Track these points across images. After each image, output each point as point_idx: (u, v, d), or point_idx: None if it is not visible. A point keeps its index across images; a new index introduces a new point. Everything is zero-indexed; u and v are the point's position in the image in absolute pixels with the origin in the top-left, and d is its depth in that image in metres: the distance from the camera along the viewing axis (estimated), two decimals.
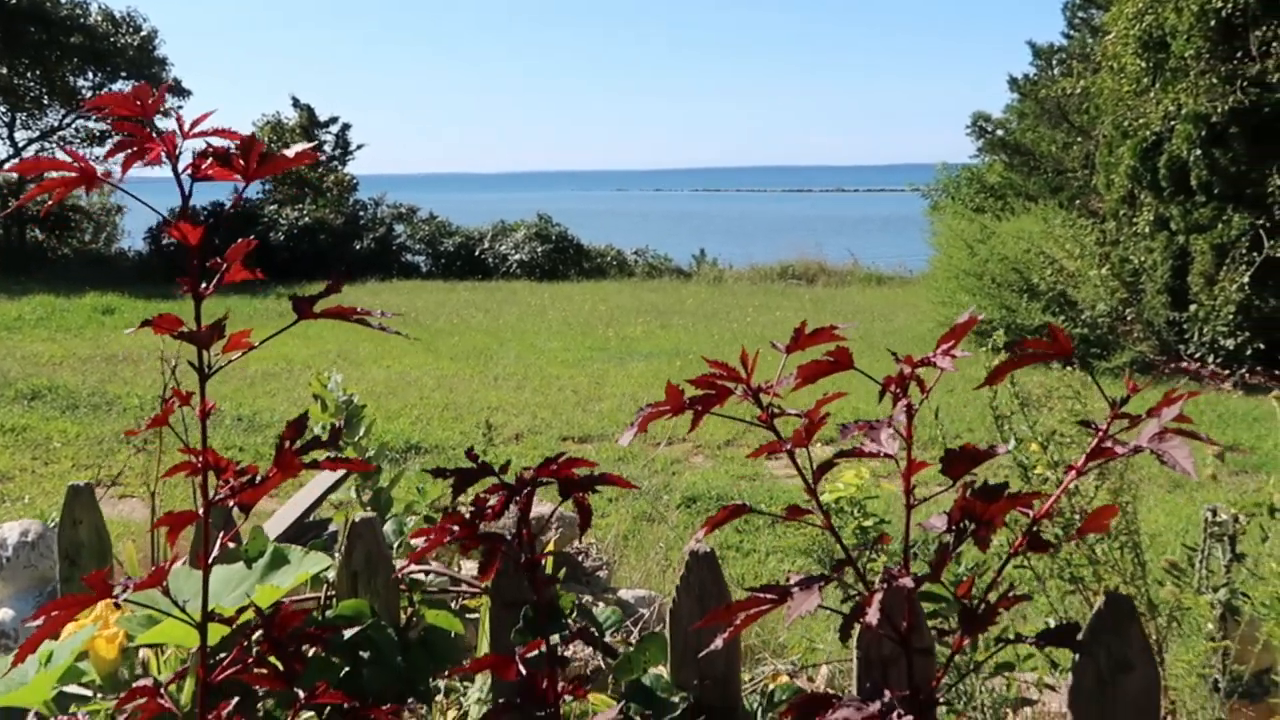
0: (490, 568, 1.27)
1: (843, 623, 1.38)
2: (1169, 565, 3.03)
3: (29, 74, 23.95)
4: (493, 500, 1.20)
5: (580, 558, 3.35)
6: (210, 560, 1.32)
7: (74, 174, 1.34)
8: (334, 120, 24.54)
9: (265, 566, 1.66)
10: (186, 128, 1.31)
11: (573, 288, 19.49)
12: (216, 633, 1.53)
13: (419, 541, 1.55)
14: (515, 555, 1.23)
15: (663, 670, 1.50)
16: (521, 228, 21.26)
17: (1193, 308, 11.14)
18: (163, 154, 1.32)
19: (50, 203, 1.36)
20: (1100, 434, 1.17)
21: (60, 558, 1.84)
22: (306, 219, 20.77)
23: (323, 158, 24.19)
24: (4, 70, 23.51)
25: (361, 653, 1.58)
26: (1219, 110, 10.37)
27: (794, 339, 1.33)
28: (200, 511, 1.30)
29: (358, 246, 20.52)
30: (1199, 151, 10.72)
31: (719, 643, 1.32)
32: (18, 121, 24.49)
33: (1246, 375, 10.49)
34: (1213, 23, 10.44)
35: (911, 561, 1.22)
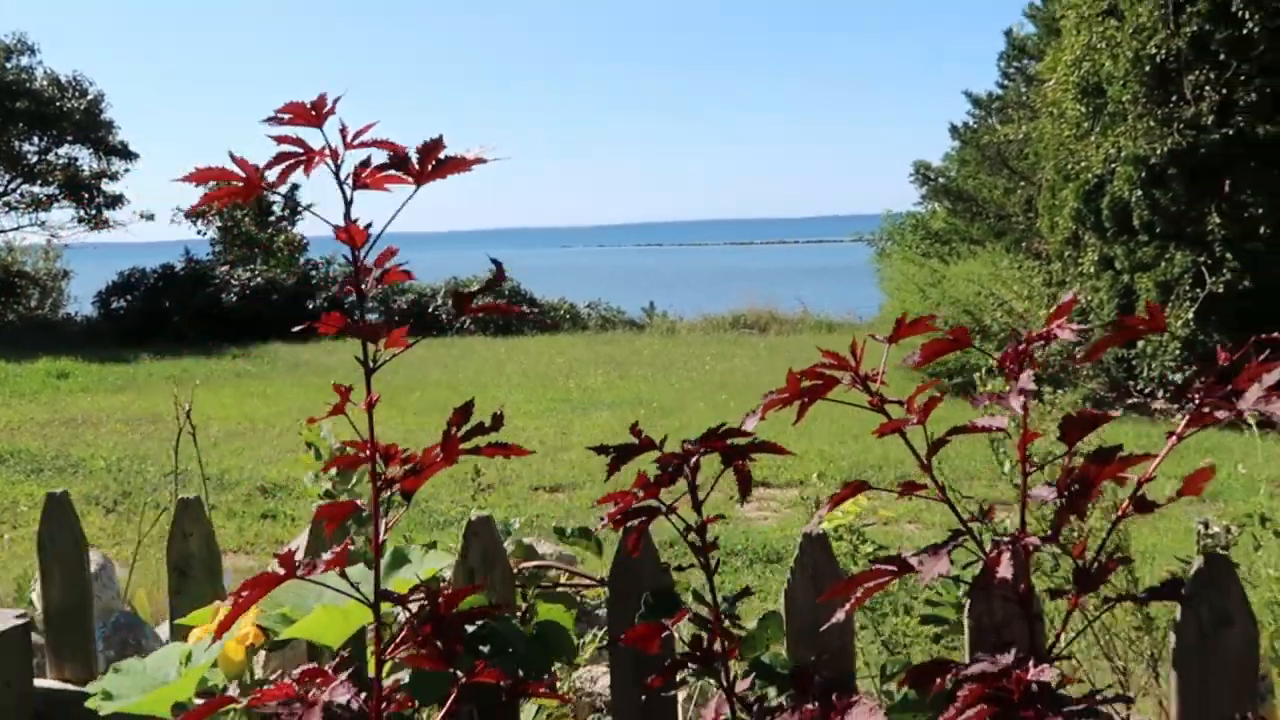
0: (637, 545, 1.37)
1: (972, 583, 1.50)
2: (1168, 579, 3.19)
3: None
4: (641, 479, 1.30)
5: None
6: (331, 561, 1.41)
7: (240, 183, 1.41)
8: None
9: (387, 566, 1.74)
10: (349, 138, 1.39)
11: (529, 341, 19.58)
12: (351, 625, 1.61)
13: (528, 540, 1.65)
14: (648, 544, 1.34)
15: (780, 648, 1.60)
16: (474, 283, 21.20)
17: (1140, 344, 11.51)
18: (326, 162, 1.40)
19: (217, 208, 1.43)
20: (1201, 398, 1.29)
21: (170, 570, 1.90)
22: (259, 279, 20.67)
23: (272, 217, 24.13)
24: None
25: (481, 646, 1.66)
26: (1158, 152, 10.83)
27: (896, 329, 1.47)
28: (370, 497, 1.38)
29: (310, 306, 20.43)
30: (1140, 192, 11.16)
31: (841, 614, 1.43)
32: None
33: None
34: (1147, 68, 10.94)
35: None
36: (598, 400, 13.17)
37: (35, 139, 24.43)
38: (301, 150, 1.42)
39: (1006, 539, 1.34)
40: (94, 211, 24.46)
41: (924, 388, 1.47)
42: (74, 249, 24.84)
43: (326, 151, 1.41)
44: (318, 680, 1.28)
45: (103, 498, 8.90)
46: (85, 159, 24.71)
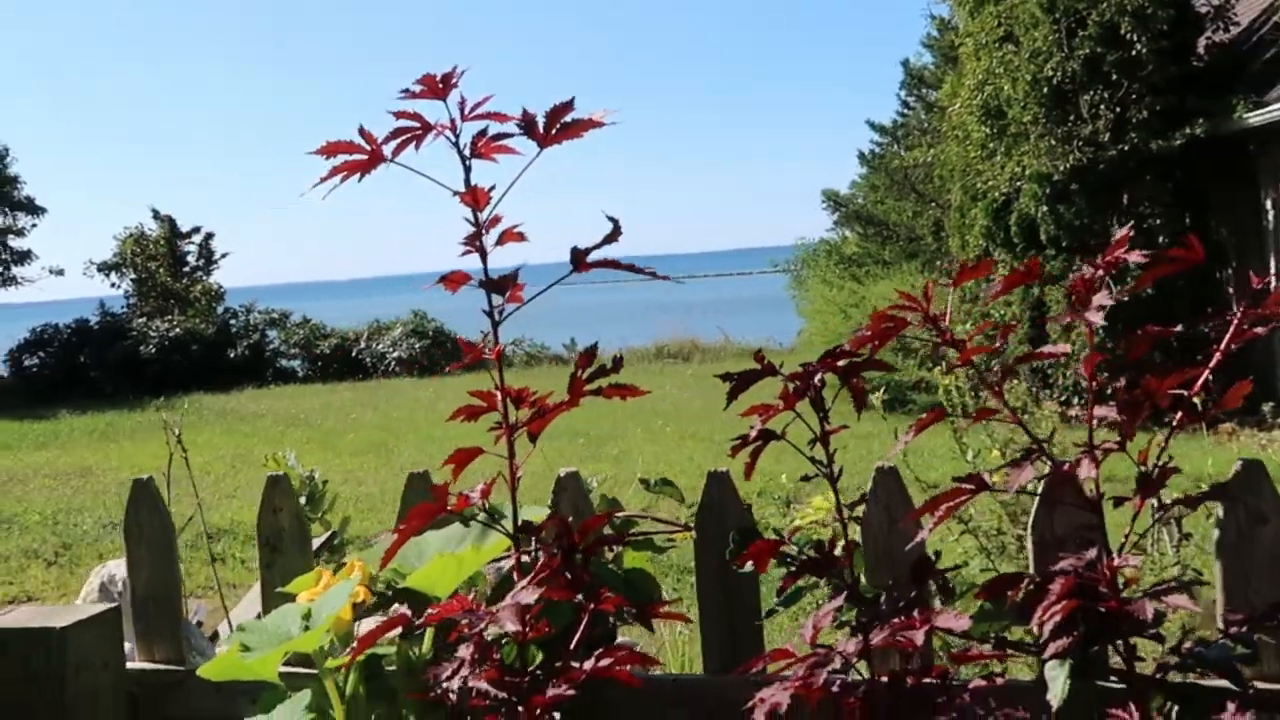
0: (752, 467, 1.52)
1: (1040, 496, 1.69)
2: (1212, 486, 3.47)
3: None
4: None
5: None
6: (423, 528, 1.53)
7: (364, 156, 1.54)
8: (196, 230, 24.19)
9: (481, 527, 1.86)
10: (467, 110, 1.51)
11: (456, 381, 19.53)
12: (464, 572, 1.73)
13: (613, 497, 1.80)
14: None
15: (860, 575, 1.77)
16: (398, 325, 21.28)
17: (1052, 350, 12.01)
18: (446, 134, 1.52)
19: (338, 185, 1.54)
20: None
21: (261, 546, 1.98)
22: (177, 330, 20.31)
23: (186, 268, 23.73)
24: None
25: None
26: (1060, 169, 11.38)
27: (960, 272, 1.65)
28: (503, 439, 1.52)
29: (231, 355, 20.16)
30: (1045, 208, 11.70)
31: (925, 532, 1.60)
32: None
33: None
34: (1045, 90, 11.52)
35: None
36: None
37: None
38: (418, 124, 1.55)
39: (1081, 448, 1.53)
40: (1, 269, 23.80)
41: (982, 326, 1.66)
42: None
43: (443, 124, 1.53)
44: (479, 607, 1.41)
45: (42, 550, 8.70)
46: None
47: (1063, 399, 12.00)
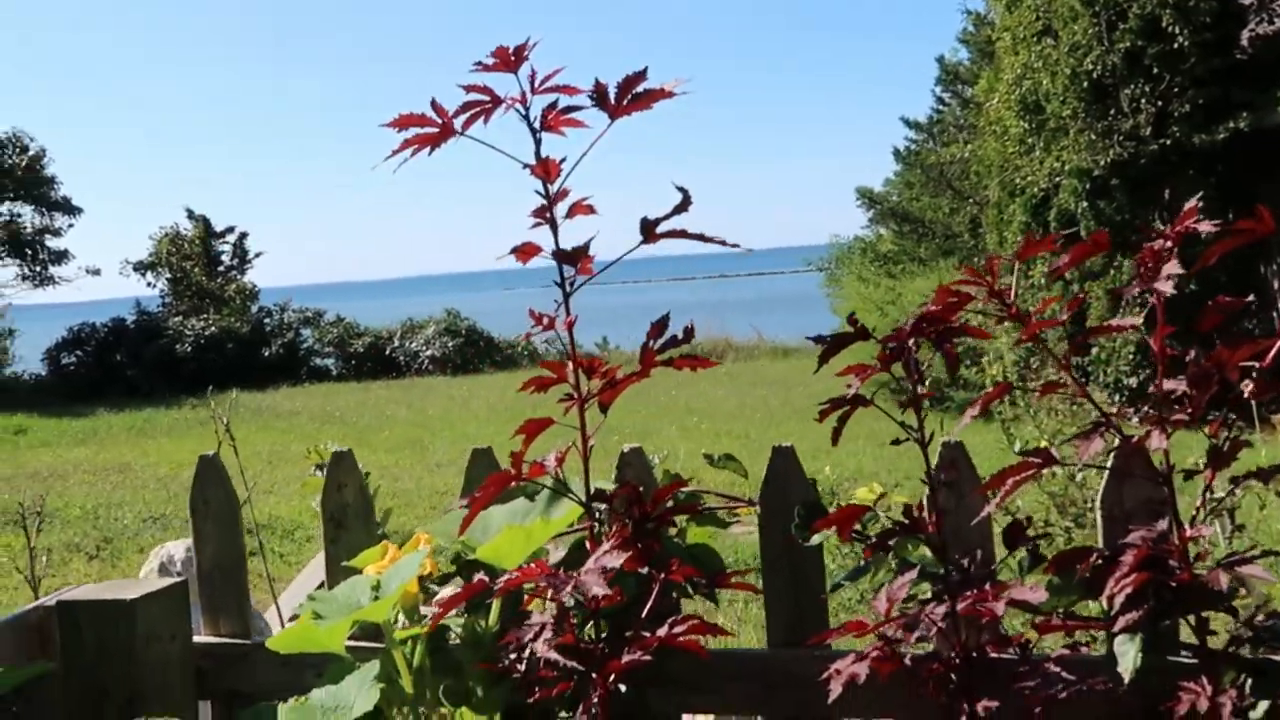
0: (839, 433, 1.52)
1: (1111, 469, 1.67)
2: None
3: None
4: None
5: None
6: (495, 497, 1.54)
7: (435, 129, 1.55)
8: (230, 230, 24.43)
9: (546, 500, 1.87)
10: (537, 83, 1.52)
11: (489, 379, 19.63)
12: (532, 544, 1.74)
13: (675, 473, 1.79)
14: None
15: (925, 550, 1.76)
16: (431, 324, 21.39)
17: (1094, 350, 11.92)
18: (516, 107, 1.53)
19: (409, 158, 1.54)
20: None
21: (325, 521, 2.00)
22: (212, 329, 20.52)
23: (220, 267, 23.97)
24: None
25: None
26: (1100, 164, 11.28)
27: (1025, 245, 1.64)
28: (576, 408, 1.52)
29: (266, 353, 20.33)
30: (1085, 204, 11.61)
31: (992, 506, 1.59)
32: None
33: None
34: (1085, 84, 11.42)
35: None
36: (572, 431, 13.26)
37: None
38: (488, 98, 1.56)
39: (1152, 416, 1.51)
40: (38, 268, 24.12)
41: (1048, 303, 1.65)
42: (17, 309, 24.45)
43: (514, 97, 1.53)
44: (559, 572, 1.42)
45: (84, 544, 8.82)
46: (27, 215, 24.40)
47: (1107, 392, 11.89)
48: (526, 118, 1.54)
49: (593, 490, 1.56)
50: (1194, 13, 10.66)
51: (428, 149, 1.59)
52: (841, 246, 20.02)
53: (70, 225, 24.69)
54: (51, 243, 24.69)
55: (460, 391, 17.81)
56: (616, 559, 1.32)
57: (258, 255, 24.91)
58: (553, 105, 1.54)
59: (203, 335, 20.52)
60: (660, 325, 1.53)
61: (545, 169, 1.53)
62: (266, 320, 21.90)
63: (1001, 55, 12.97)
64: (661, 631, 1.46)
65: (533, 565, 1.36)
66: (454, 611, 1.79)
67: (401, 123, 1.54)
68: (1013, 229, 12.53)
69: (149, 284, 23.90)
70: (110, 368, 20.16)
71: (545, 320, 1.52)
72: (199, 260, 23.34)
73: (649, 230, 1.54)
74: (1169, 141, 10.98)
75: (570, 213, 1.57)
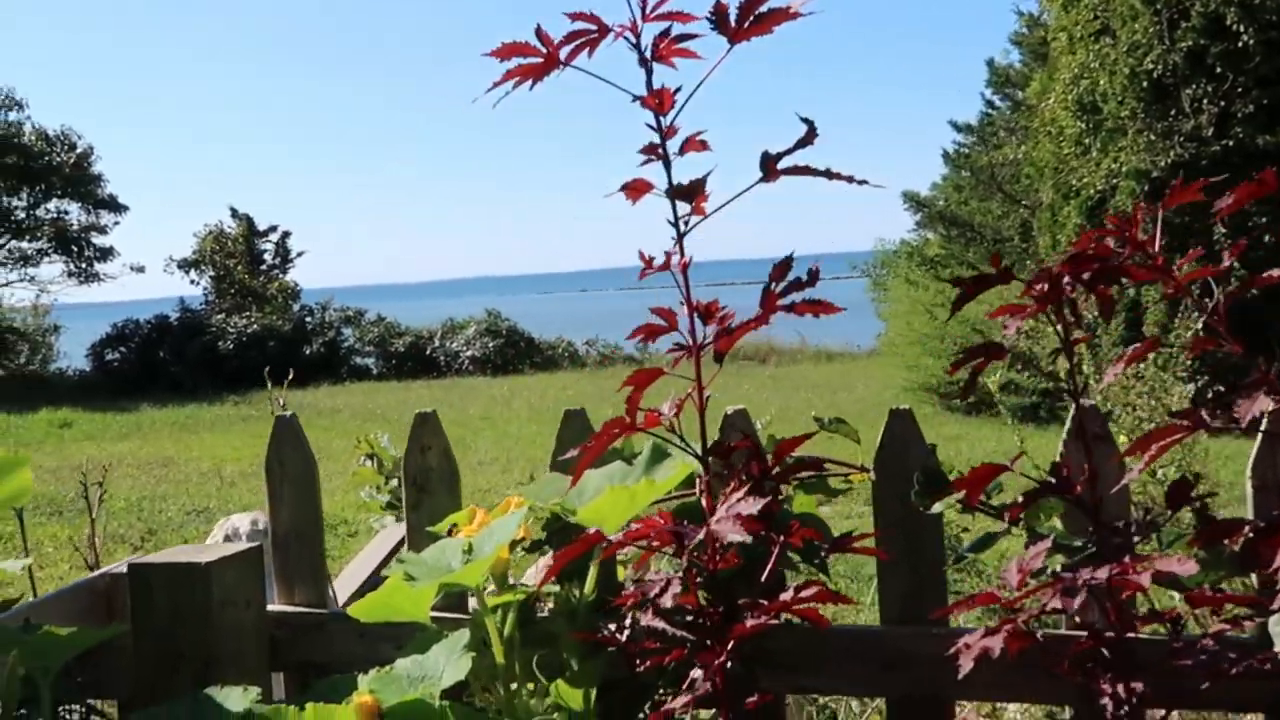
0: (973, 384, 1.40)
1: (1265, 433, 1.54)
2: None
3: None
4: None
5: None
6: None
7: (539, 59, 1.44)
8: (273, 229, 24.58)
9: (646, 462, 1.76)
10: (648, 10, 1.41)
11: (529, 379, 19.58)
12: (636, 506, 1.63)
13: (781, 437, 1.68)
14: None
15: (1056, 521, 1.64)
16: (471, 324, 21.38)
17: (1150, 356, 11.66)
18: (625, 35, 1.42)
19: (511, 90, 1.44)
20: None
21: (408, 485, 1.91)
22: (255, 326, 20.63)
23: (263, 265, 24.12)
24: None
25: None
26: (1159, 165, 11.04)
27: (1172, 193, 1.52)
28: (689, 357, 1.41)
29: (307, 351, 20.40)
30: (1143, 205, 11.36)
31: (1135, 472, 1.46)
32: None
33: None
34: (1144, 84, 11.19)
35: None
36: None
37: (23, 194, 24.39)
38: (595, 26, 1.45)
39: None
40: (84, 265, 24.37)
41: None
42: (62, 307, 24.75)
43: (623, 25, 1.43)
44: (684, 522, 1.32)
45: (129, 535, 8.83)
46: (74, 213, 24.68)
47: (1190, 383, 11.59)
48: (637, 46, 1.44)
49: (712, 443, 1.45)
50: (1259, 10, 10.41)
51: (529, 82, 1.48)
52: (887, 251, 19.77)
53: (116, 223, 24.97)
54: (97, 240, 24.98)
55: (501, 391, 17.77)
56: (753, 505, 1.20)
57: (300, 254, 25.05)
58: (665, 33, 1.44)
59: (245, 333, 20.64)
60: (783, 267, 1.42)
61: (659, 100, 1.43)
62: (308, 319, 21.98)
63: (1057, 55, 12.74)
64: (786, 596, 1.34)
65: (655, 516, 1.25)
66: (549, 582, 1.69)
67: (504, 52, 1.44)
68: (1067, 231, 12.29)
69: (192, 281, 24.11)
70: (154, 364, 20.32)
71: (659, 261, 1.41)
72: (242, 258, 23.49)
73: (770, 165, 1.42)
74: (1231, 143, 10.73)
75: (683, 149, 1.46)
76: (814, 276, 1.44)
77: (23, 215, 24.41)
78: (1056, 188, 12.56)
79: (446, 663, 1.62)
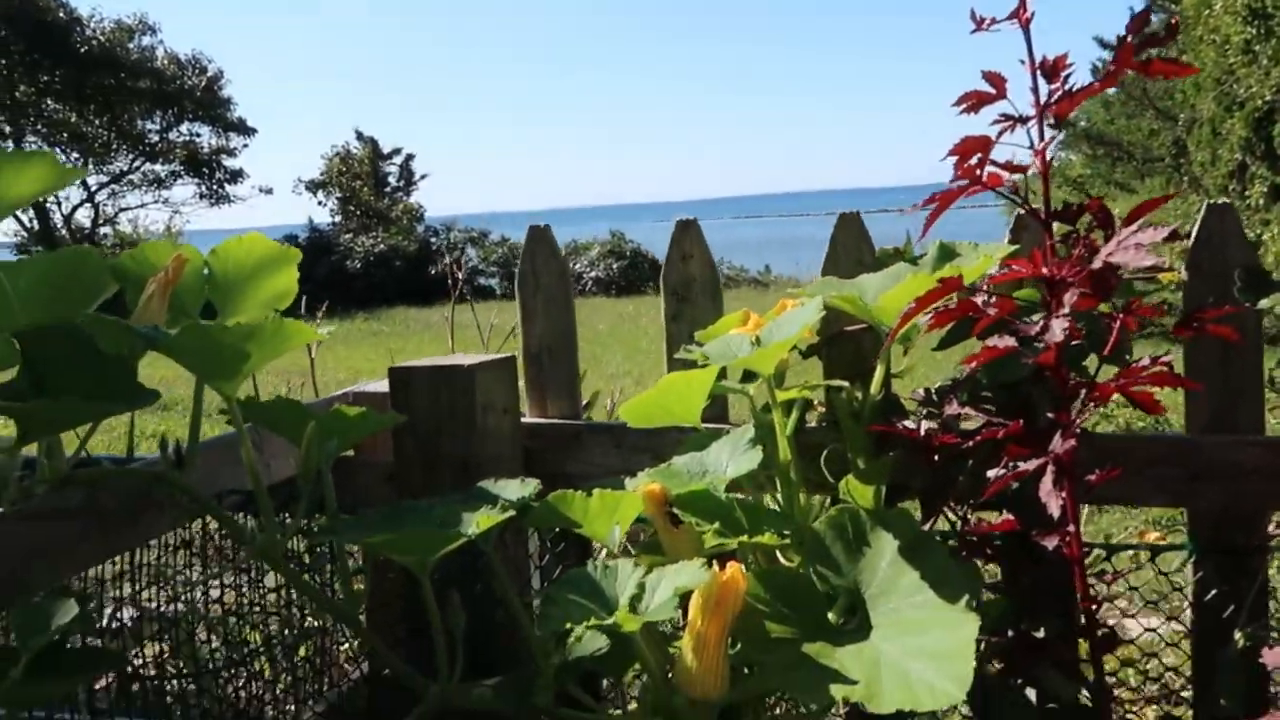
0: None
1: None
2: None
3: (98, 120, 24.41)
4: None
5: None
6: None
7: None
8: (397, 151, 24.90)
9: (934, 261, 1.67)
10: None
11: (654, 300, 19.53)
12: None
13: None
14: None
15: None
16: (595, 246, 21.40)
17: None
18: None
19: None
20: None
21: (667, 296, 1.86)
22: (381, 246, 20.99)
23: (387, 188, 24.47)
24: (74, 118, 23.97)
25: None
26: None
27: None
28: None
29: (432, 272, 20.69)
30: None
31: None
32: (89, 167, 24.92)
33: None
34: None
35: None
36: None
37: (156, 118, 25.11)
38: None
39: None
40: (215, 187, 25.07)
41: None
42: (192, 233, 25.55)
43: None
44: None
45: None
46: (205, 136, 25.34)
47: None
48: None
49: (1048, 211, 1.34)
50: None
51: None
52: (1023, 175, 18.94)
53: (245, 146, 25.59)
54: (227, 162, 25.63)
55: (627, 310, 17.80)
56: (1156, 233, 1.10)
57: (423, 177, 25.34)
58: None
59: (372, 252, 21.01)
60: (1141, 19, 1.30)
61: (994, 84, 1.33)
62: (433, 240, 22.28)
63: None
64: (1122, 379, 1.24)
65: (1034, 252, 1.16)
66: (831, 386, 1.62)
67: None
68: (1228, 146, 11.65)
69: (320, 203, 24.60)
70: None
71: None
72: (367, 180, 23.86)
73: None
74: None
75: None
76: (1173, 30, 1.32)
77: (156, 139, 25.16)
78: (1218, 100, 11.88)
79: (730, 457, 1.56)
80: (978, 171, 1.27)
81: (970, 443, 1.48)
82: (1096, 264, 1.15)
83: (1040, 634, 1.38)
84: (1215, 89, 11.97)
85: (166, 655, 1.98)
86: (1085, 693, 1.33)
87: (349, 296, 19.99)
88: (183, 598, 1.93)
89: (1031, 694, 1.37)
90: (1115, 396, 1.29)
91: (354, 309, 19.28)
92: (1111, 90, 17.25)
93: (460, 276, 4.18)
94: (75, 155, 24.70)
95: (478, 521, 1.38)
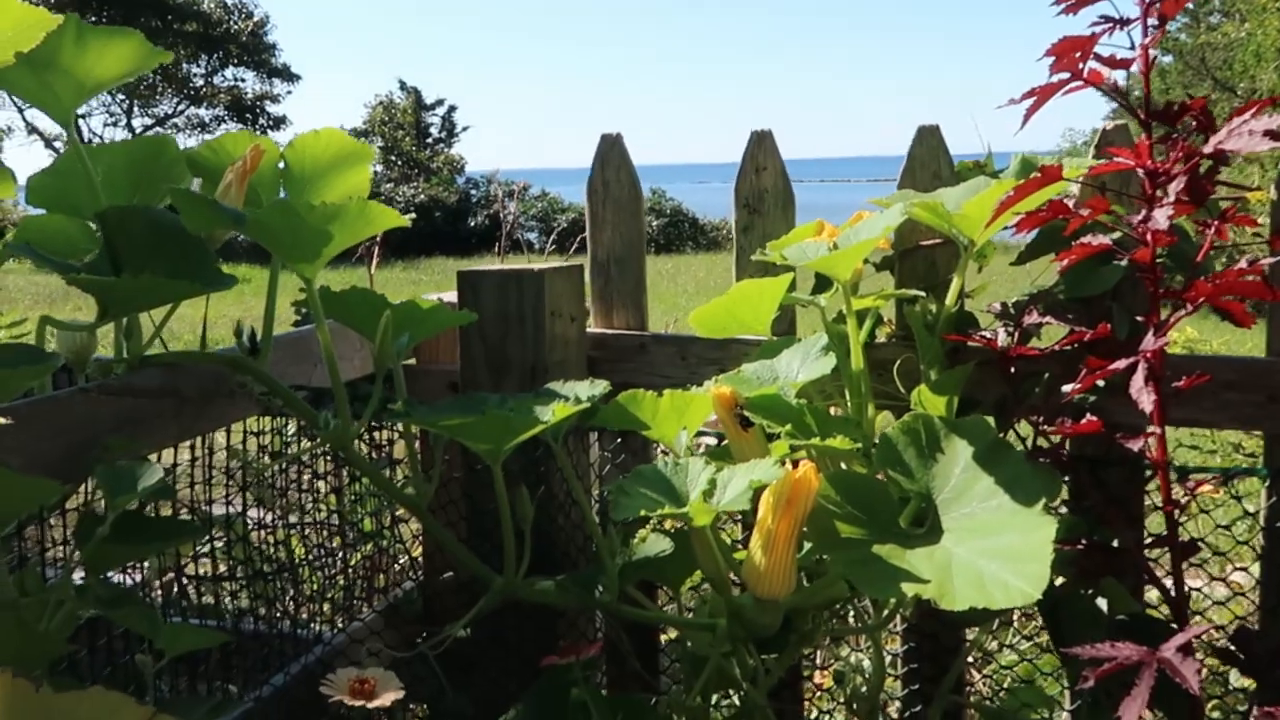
0: None
1: None
2: None
3: None
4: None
5: None
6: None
7: None
8: (440, 102, 24.87)
9: (1016, 173, 1.66)
10: None
11: (693, 259, 19.46)
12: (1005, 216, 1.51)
13: None
14: None
15: None
16: None
17: None
18: None
19: None
20: None
21: (739, 207, 1.84)
22: (421, 196, 21.03)
23: (429, 139, 24.47)
24: None
25: None
26: None
27: None
28: None
29: (471, 223, 20.73)
30: None
31: None
32: (135, 109, 25.08)
33: None
34: None
35: None
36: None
37: (201, 61, 25.19)
38: None
39: None
40: (258, 132, 25.13)
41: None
42: None
43: None
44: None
45: None
46: (249, 81, 25.41)
47: None
48: None
49: (1149, 110, 1.32)
50: None
51: None
52: (1076, 145, 18.72)
53: (289, 92, 25.69)
54: (271, 108, 25.70)
55: (666, 268, 17.75)
56: (1271, 120, 1.08)
57: (465, 129, 25.29)
58: None
59: (412, 202, 21.06)
60: None
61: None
62: (473, 192, 22.28)
63: None
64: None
65: (1139, 144, 1.14)
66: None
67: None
68: None
69: None
70: None
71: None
72: (409, 130, 23.87)
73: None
74: None
75: None
76: None
77: (200, 82, 25.25)
78: (1279, 70, 11.62)
79: (801, 365, 1.56)
80: (1080, 65, 1.24)
81: (1051, 349, 1.47)
82: (1208, 149, 1.12)
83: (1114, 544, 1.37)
84: (1277, 59, 11.70)
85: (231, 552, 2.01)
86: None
87: (388, 245, 20.03)
88: (252, 500, 1.95)
89: (1103, 603, 1.36)
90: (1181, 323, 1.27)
91: (392, 258, 19.34)
92: (1168, 59, 16.94)
93: (511, 218, 4.17)
94: (121, 97, 24.85)
95: (554, 410, 1.38)
